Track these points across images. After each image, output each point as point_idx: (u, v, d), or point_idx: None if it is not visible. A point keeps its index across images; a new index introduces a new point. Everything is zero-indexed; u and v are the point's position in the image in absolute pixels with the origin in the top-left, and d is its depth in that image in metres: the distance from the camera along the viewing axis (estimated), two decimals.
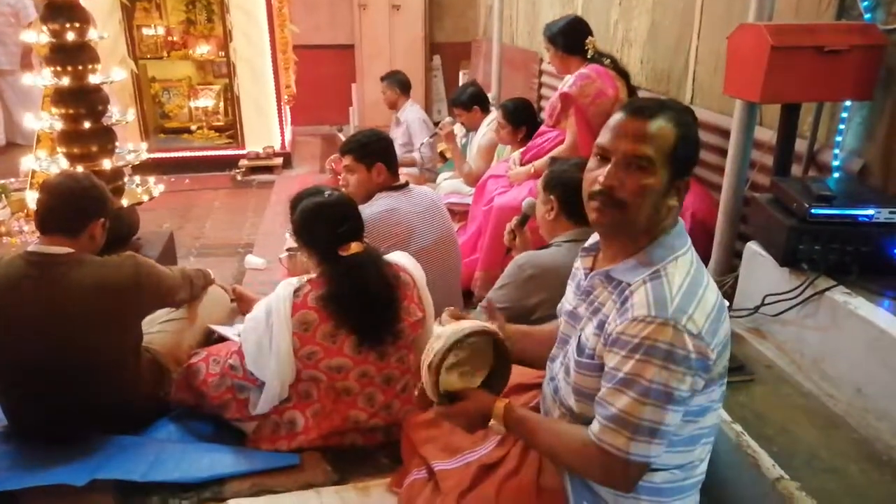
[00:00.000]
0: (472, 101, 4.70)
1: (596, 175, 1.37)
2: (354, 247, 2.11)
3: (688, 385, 1.27)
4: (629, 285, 1.35)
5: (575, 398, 1.45)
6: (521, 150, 3.73)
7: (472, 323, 1.57)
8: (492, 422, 1.49)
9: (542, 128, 3.72)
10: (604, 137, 1.38)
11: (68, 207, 2.18)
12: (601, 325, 1.38)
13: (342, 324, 2.07)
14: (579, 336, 1.46)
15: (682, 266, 1.34)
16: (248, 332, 2.15)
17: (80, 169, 3.05)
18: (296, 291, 2.08)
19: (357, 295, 2.06)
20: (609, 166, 1.35)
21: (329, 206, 2.14)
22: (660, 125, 1.33)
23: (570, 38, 3.40)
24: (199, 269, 2.67)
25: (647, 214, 1.35)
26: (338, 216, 2.12)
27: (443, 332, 1.52)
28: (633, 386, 1.27)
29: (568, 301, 1.59)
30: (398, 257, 2.27)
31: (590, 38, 3.40)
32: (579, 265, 1.57)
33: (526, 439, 1.53)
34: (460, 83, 6.65)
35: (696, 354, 1.26)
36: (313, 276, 2.13)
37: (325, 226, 2.10)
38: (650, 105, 1.38)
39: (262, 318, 2.10)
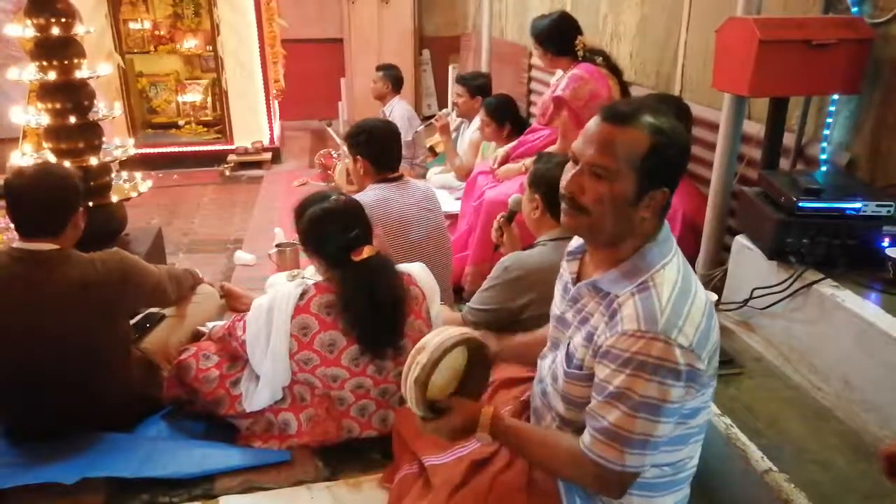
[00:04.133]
0: (479, 90, 4.58)
1: (567, 178, 1.36)
2: (367, 251, 2.08)
3: (677, 396, 1.27)
4: (617, 297, 1.33)
5: (564, 405, 1.45)
6: (509, 146, 3.72)
7: (454, 331, 1.49)
8: (478, 433, 1.44)
9: (535, 125, 3.71)
10: (577, 141, 1.36)
11: (47, 211, 2.10)
12: (590, 337, 1.37)
13: (349, 330, 2.05)
14: (567, 345, 1.45)
15: (670, 275, 1.32)
16: (252, 319, 2.14)
17: (67, 164, 3.03)
18: (302, 294, 2.07)
19: (369, 299, 2.03)
20: (575, 171, 1.34)
21: (338, 212, 2.11)
22: (630, 133, 1.28)
23: (558, 39, 3.29)
24: (187, 269, 2.67)
25: (612, 223, 1.32)
26: (348, 221, 2.10)
27: (426, 342, 1.45)
28: (624, 400, 1.27)
29: (556, 305, 1.57)
30: (413, 268, 2.24)
31: (579, 37, 3.28)
32: (565, 268, 1.55)
33: (514, 449, 1.51)
34: (450, 78, 6.63)
35: (687, 367, 1.25)
36: (319, 280, 2.12)
37: (336, 231, 2.07)
38: (626, 110, 1.32)
39: (265, 310, 2.09)
